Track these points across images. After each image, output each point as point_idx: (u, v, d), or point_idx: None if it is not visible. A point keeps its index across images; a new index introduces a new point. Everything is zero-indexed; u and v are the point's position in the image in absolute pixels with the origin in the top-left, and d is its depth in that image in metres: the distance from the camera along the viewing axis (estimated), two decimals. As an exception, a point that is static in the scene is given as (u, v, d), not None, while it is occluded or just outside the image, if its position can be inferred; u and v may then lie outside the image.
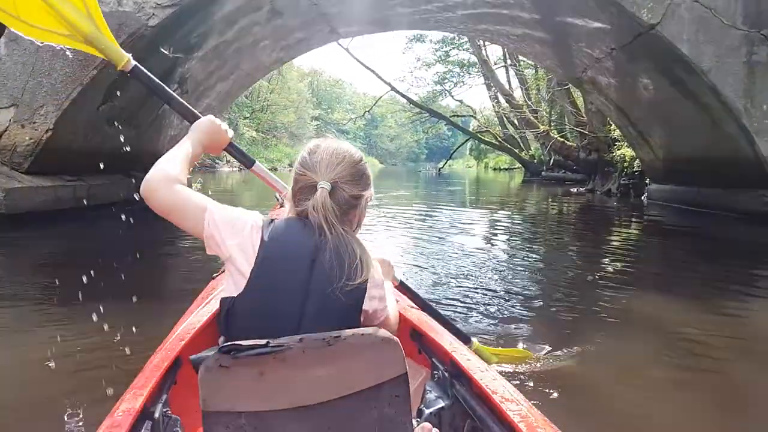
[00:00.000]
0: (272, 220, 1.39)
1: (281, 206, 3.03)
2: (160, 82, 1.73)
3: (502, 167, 48.23)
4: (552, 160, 23.74)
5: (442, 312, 2.49)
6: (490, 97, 38.13)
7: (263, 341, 1.17)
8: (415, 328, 2.01)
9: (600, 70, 11.12)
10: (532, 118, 20.08)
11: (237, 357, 1.16)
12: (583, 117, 17.56)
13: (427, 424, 1.50)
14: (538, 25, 10.52)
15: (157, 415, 1.42)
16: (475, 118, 40.36)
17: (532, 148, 35.19)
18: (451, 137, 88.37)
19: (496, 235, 10.28)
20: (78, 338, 3.44)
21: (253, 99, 51.80)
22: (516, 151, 34.87)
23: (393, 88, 34.73)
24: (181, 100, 1.79)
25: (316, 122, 66.01)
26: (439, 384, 1.79)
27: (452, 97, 41.21)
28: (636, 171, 15.13)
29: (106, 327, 3.22)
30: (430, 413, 1.67)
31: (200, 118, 1.64)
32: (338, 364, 1.23)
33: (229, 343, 1.18)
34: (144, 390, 1.43)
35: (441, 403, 1.70)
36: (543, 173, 26.41)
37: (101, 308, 3.01)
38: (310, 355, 1.20)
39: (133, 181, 10.14)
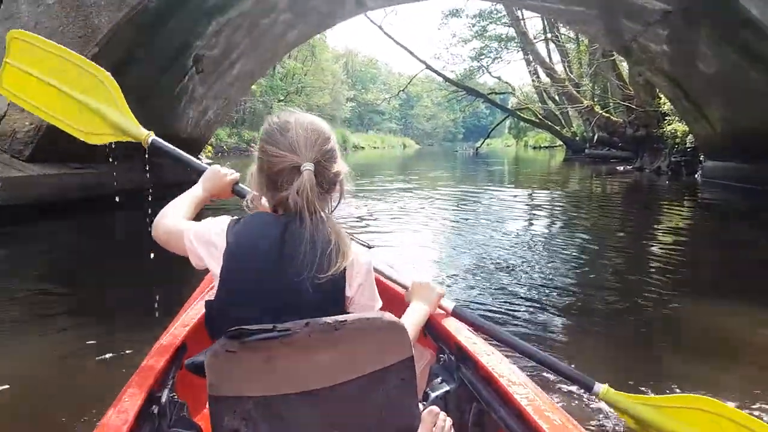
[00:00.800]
0: (237, 220, 1.36)
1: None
2: (176, 150, 1.94)
3: (542, 145, 46.70)
4: (596, 137, 22.47)
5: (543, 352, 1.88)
6: (529, 72, 36.67)
7: (270, 326, 1.17)
8: None
9: (652, 37, 10.06)
10: (575, 92, 18.85)
11: (244, 342, 1.17)
12: (630, 90, 16.35)
13: (434, 408, 1.46)
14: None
15: (163, 399, 1.45)
16: (514, 95, 38.95)
17: (574, 125, 33.75)
18: (489, 116, 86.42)
19: (537, 219, 9.47)
20: (82, 334, 3.38)
21: (288, 82, 51.38)
22: (557, 128, 33.48)
23: (428, 66, 33.71)
24: (195, 162, 1.99)
25: (351, 103, 65.24)
26: (445, 367, 1.77)
27: (490, 73, 39.84)
28: (689, 147, 13.96)
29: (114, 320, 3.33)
30: (436, 396, 1.66)
31: (205, 170, 1.81)
32: (344, 348, 1.24)
33: (234, 328, 1.17)
34: (150, 374, 1.45)
35: (447, 387, 1.70)
36: (586, 151, 25.10)
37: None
38: (317, 340, 1.20)
39: (147, 168, 9.72)
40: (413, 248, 6.24)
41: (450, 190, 14.12)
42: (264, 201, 1.43)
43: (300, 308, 1.25)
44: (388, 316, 1.26)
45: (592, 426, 2.34)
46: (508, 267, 5.23)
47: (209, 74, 9.79)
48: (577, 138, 32.13)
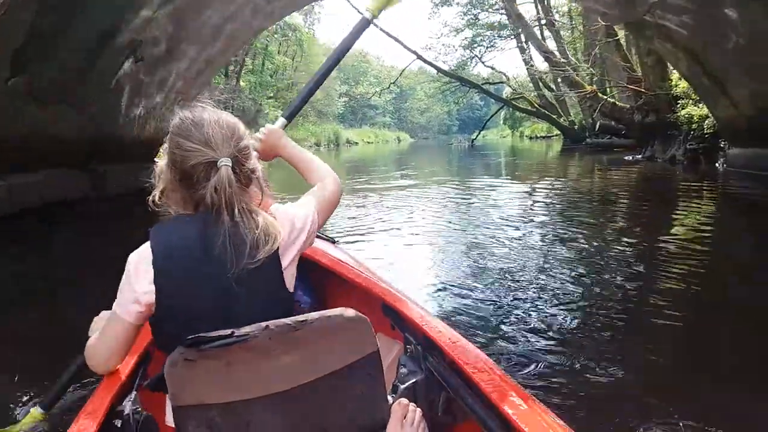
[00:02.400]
0: (155, 230, 1.28)
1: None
2: None
3: (538, 135, 45.08)
4: (598, 125, 20.92)
5: None
6: (524, 60, 35.14)
7: (228, 331, 1.14)
8: (387, 302, 1.91)
9: (670, 7, 8.52)
10: (576, 78, 17.25)
11: (202, 349, 1.13)
12: (636, 73, 14.79)
13: (404, 400, 1.45)
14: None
15: (127, 411, 1.41)
16: (508, 85, 37.29)
17: (572, 113, 32.19)
18: (483, 107, 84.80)
19: (539, 216, 8.04)
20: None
21: (277, 78, 49.79)
22: (554, 117, 31.92)
23: (419, 57, 32.10)
24: None
25: (343, 98, 63.58)
26: (412, 358, 1.73)
27: (483, 63, 38.23)
28: (707, 133, 12.40)
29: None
30: (405, 388, 1.63)
31: None
32: (307, 348, 1.22)
33: (192, 336, 1.13)
34: (113, 387, 1.42)
35: (415, 377, 1.65)
36: (587, 140, 23.54)
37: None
38: (277, 342, 1.18)
39: (89, 175, 8.10)
40: (407, 250, 5.78)
41: (445, 186, 12.67)
42: (173, 196, 1.34)
43: (241, 301, 1.23)
44: (350, 311, 1.26)
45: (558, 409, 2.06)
46: (508, 273, 4.62)
47: (154, 64, 8.22)
48: (576, 127, 30.56)
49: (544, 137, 43.99)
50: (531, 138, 46.41)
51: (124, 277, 1.28)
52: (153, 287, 1.22)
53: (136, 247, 1.28)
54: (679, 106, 13.47)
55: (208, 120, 1.28)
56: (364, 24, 1.93)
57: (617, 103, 15.73)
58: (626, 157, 15.83)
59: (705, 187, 10.57)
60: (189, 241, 1.24)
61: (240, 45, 9.65)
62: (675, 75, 14.07)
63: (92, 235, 6.65)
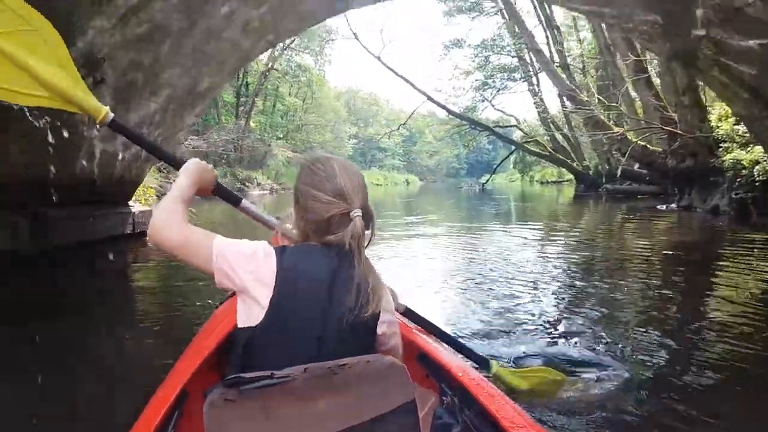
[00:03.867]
0: (284, 247, 1.33)
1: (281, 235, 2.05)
2: (138, 134, 1.69)
3: (549, 180, 43.63)
4: (620, 171, 19.35)
5: (454, 335, 2.37)
6: (535, 104, 33.98)
7: (267, 373, 1.14)
8: (423, 352, 1.87)
9: (735, 28, 7.00)
10: (602, 118, 15.72)
11: (242, 390, 1.14)
12: (669, 112, 13.29)
13: None
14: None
15: None
16: (519, 128, 35.99)
17: (586, 157, 30.71)
18: (492, 151, 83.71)
19: (553, 277, 6.31)
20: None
21: (288, 119, 49.02)
22: (568, 161, 30.46)
23: (429, 98, 30.94)
24: (161, 148, 1.72)
25: (353, 140, 62.71)
26: (448, 409, 1.70)
27: (493, 106, 37.01)
28: (759, 180, 10.76)
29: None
30: None
31: (185, 162, 1.55)
32: (345, 393, 1.21)
33: (233, 376, 1.14)
34: (151, 424, 1.38)
35: (451, 430, 1.61)
36: (607, 186, 21.91)
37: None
38: (316, 385, 1.18)
39: (29, 221, 6.41)
40: (421, 298, 5.16)
41: (456, 233, 11.19)
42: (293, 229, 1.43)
43: (338, 344, 1.25)
44: (388, 358, 1.26)
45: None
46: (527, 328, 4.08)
47: (127, 90, 6.74)
48: (591, 172, 29.01)
49: (555, 182, 42.51)
50: (542, 183, 44.92)
51: (244, 246, 1.29)
52: (265, 297, 1.23)
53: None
54: (722, 150, 11.86)
55: (339, 170, 1.35)
56: None
57: (648, 146, 14.15)
58: (659, 206, 14.13)
59: (758, 243, 8.83)
60: (318, 272, 1.27)
61: (230, 69, 8.16)
62: (714, 116, 12.56)
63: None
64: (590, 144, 29.78)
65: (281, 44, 41.39)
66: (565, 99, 31.30)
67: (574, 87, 17.64)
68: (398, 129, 40.16)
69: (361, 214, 1.31)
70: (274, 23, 7.78)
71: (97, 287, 5.93)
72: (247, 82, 39.97)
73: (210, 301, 4.64)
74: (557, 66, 25.74)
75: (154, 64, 6.68)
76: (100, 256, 7.37)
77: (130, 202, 8.47)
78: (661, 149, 13.92)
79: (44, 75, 1.48)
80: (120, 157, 7.75)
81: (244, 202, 1.76)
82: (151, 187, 10.31)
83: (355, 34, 32.02)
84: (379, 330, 1.33)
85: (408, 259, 7.75)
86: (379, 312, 1.31)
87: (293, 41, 41.36)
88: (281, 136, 45.86)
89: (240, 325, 1.26)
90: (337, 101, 62.63)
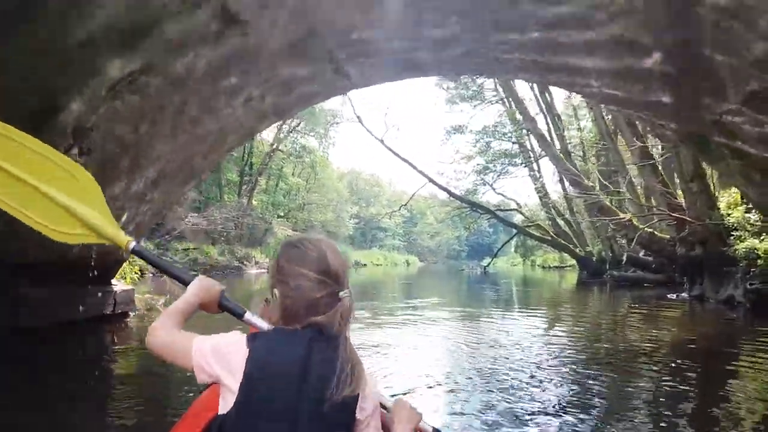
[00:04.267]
0: (257, 334, 1.34)
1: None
2: (157, 258, 1.86)
3: (551, 265, 43.02)
4: (625, 257, 18.89)
5: None
6: (536, 189, 34.07)
7: None
8: None
9: (753, 110, 6.75)
10: (608, 204, 15.41)
11: None
12: (677, 199, 12.99)
13: None
14: (666, 56, 6.28)
15: None
16: (520, 212, 35.88)
17: (589, 243, 30.34)
18: (492, 234, 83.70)
19: (558, 370, 5.80)
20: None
21: (290, 198, 49.21)
22: (571, 246, 30.06)
23: (431, 180, 31.04)
24: (175, 269, 1.84)
25: (354, 220, 62.73)
26: None
27: (494, 190, 37.05)
28: (776, 271, 10.26)
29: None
30: None
31: (194, 279, 1.65)
32: None
33: None
34: None
35: None
36: (614, 273, 21.33)
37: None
38: None
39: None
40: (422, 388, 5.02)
41: (461, 318, 10.61)
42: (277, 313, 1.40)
43: (313, 428, 1.23)
44: None
45: None
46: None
47: (115, 162, 6.40)
48: (594, 258, 28.54)
49: (557, 267, 41.87)
50: (544, 268, 44.29)
51: (218, 340, 1.32)
52: (237, 384, 1.24)
53: None
54: (734, 238, 11.43)
55: (328, 252, 1.37)
56: None
57: (655, 233, 13.75)
58: (669, 296, 13.52)
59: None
60: (290, 356, 1.26)
61: (226, 145, 7.87)
62: (723, 203, 12.24)
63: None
64: (592, 230, 29.52)
65: (287, 126, 42.24)
66: (566, 184, 31.37)
67: (578, 173, 17.47)
68: (399, 210, 40.17)
69: (350, 294, 1.33)
70: (275, 104, 7.59)
71: (75, 371, 5.50)
72: (251, 162, 40.41)
73: (186, 388, 4.46)
74: (560, 152, 25.93)
75: (145, 137, 6.38)
76: (79, 338, 6.81)
77: (114, 281, 7.95)
78: (669, 236, 13.50)
79: (84, 216, 1.72)
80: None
81: (247, 315, 1.79)
82: (137, 264, 9.79)
83: (358, 117, 32.62)
84: (359, 414, 1.30)
85: (409, 347, 7.33)
86: (358, 395, 1.29)
87: (299, 124, 42.22)
88: (282, 214, 45.85)
89: (219, 412, 1.28)
90: (340, 182, 63.24)
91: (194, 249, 29.41)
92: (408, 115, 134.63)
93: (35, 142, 1.74)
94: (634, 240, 13.45)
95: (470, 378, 5.47)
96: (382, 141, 31.50)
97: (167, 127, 6.61)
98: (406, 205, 36.85)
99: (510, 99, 35.81)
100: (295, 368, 1.24)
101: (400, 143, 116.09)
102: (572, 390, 5.06)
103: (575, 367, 6.11)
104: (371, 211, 65.07)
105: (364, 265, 53.24)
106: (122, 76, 5.47)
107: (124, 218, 7.25)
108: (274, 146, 40.85)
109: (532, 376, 5.49)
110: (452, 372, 5.75)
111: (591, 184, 15.68)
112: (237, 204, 35.95)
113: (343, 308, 1.30)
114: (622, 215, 14.41)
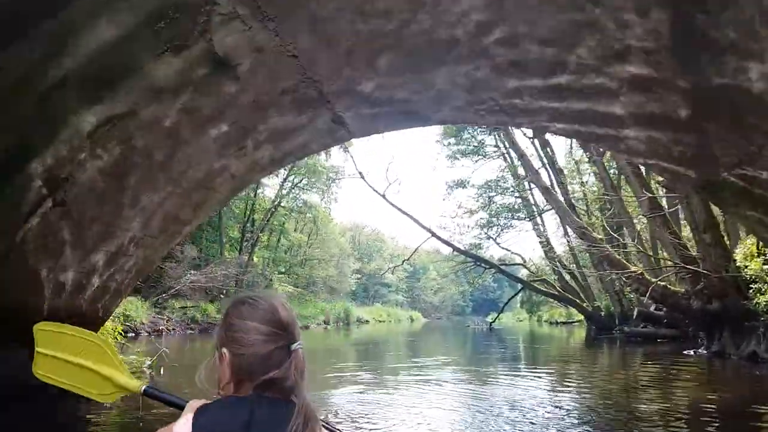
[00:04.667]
0: (200, 410, 1.27)
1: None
2: (170, 396, 1.85)
3: (558, 321, 41.96)
4: (636, 312, 18.17)
5: None
6: (540, 243, 33.56)
7: None
8: None
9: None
10: (617, 257, 14.82)
11: None
12: (689, 251, 12.46)
13: None
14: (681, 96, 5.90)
15: None
16: (525, 266, 35.19)
17: (596, 298, 29.55)
18: (497, 289, 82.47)
19: None
20: None
21: (292, 254, 48.70)
22: (578, 302, 29.26)
23: (434, 234, 30.53)
24: (176, 400, 1.78)
25: (357, 275, 61.94)
26: None
27: (498, 244, 36.44)
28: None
29: None
30: None
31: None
32: None
33: None
34: None
35: None
36: (625, 328, 20.52)
37: None
38: None
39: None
40: None
41: (468, 379, 10.01)
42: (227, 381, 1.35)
43: None
44: None
45: None
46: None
47: (95, 215, 5.96)
48: (603, 313, 27.70)
49: (564, 323, 40.79)
50: (551, 323, 43.18)
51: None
52: None
53: None
54: (753, 291, 10.83)
55: (277, 304, 1.35)
56: None
57: (668, 286, 13.14)
58: (686, 352, 12.77)
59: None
60: (234, 423, 1.23)
61: (214, 201, 7.45)
62: (739, 254, 11.69)
63: None
64: (600, 284, 28.80)
65: (289, 183, 42.25)
66: (571, 238, 30.85)
67: (584, 225, 16.98)
68: (402, 264, 39.52)
69: (302, 346, 1.32)
70: (269, 154, 7.22)
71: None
72: (253, 218, 40.16)
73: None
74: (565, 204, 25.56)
75: (128, 189, 5.97)
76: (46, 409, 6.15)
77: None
78: (683, 289, 12.89)
79: (109, 376, 2.00)
80: (89, 288, 6.79)
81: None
82: (122, 325, 9.20)
83: (360, 173, 32.52)
84: None
85: (413, 409, 6.85)
86: None
87: (301, 180, 42.24)
88: (283, 270, 45.23)
89: None
90: (342, 237, 62.80)
91: (192, 307, 28.70)
92: (409, 170, 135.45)
93: (73, 328, 2.07)
94: (647, 294, 12.82)
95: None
96: (383, 196, 31.23)
97: (152, 177, 6.20)
98: (408, 259, 36.23)
99: (510, 154, 35.99)
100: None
101: (402, 197, 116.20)
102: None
103: (585, 426, 5.48)
104: (373, 266, 64.31)
105: (367, 321, 52.03)
106: (102, 122, 5.11)
107: (105, 276, 6.75)
108: (276, 202, 40.70)
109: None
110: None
111: (599, 236, 15.19)
112: (237, 260, 35.42)
113: (296, 360, 1.28)
114: (632, 268, 13.83)
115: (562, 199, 21.14)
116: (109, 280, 6.75)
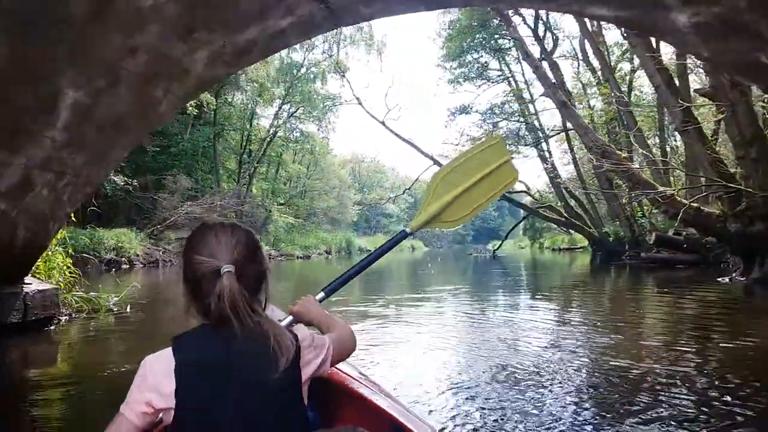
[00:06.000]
0: (179, 338, 1.28)
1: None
2: None
3: (561, 247, 40.92)
4: (654, 237, 16.77)
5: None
6: (545, 169, 31.92)
7: None
8: (397, 423, 1.70)
9: None
10: (644, 176, 13.16)
11: None
12: (725, 167, 10.86)
13: None
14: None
15: None
16: (529, 194, 33.66)
17: (604, 224, 28.24)
18: (498, 218, 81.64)
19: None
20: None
21: (291, 185, 47.18)
22: (587, 228, 28.01)
23: (435, 162, 28.87)
24: None
25: (358, 207, 60.68)
26: None
27: (502, 172, 34.82)
28: None
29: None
30: None
31: None
32: None
33: None
34: None
35: None
36: (642, 254, 19.23)
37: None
38: None
39: None
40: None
41: (480, 310, 8.46)
42: (194, 308, 1.33)
43: (258, 415, 1.22)
44: (360, 430, 1.29)
45: None
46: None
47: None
48: (611, 239, 26.43)
49: (566, 249, 39.75)
50: (553, 250, 42.16)
51: (137, 377, 1.27)
52: (172, 396, 1.21)
53: None
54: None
55: (215, 229, 1.32)
56: (403, 235, 2.32)
57: (702, 208, 11.59)
58: (721, 279, 11.39)
59: None
60: (210, 352, 1.23)
61: (180, 95, 5.72)
62: (787, 171, 10.08)
63: None
64: (610, 209, 27.43)
65: (285, 112, 40.05)
66: (582, 161, 29.19)
67: (606, 143, 15.21)
68: (404, 193, 38.05)
69: (231, 269, 1.24)
70: (231, 44, 5.46)
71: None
72: (249, 149, 38.34)
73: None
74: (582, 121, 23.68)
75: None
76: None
77: (28, 278, 5.88)
78: (718, 211, 11.36)
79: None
80: (12, 215, 5.24)
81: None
82: (71, 256, 7.71)
83: (357, 98, 30.47)
84: (306, 374, 1.30)
85: (419, 341, 6.03)
86: (296, 360, 1.27)
87: (297, 109, 40.05)
88: (282, 201, 43.83)
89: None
90: (342, 169, 61.07)
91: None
92: (409, 98, 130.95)
93: (464, 154, 2.49)
94: (678, 216, 11.29)
95: (485, 373, 4.40)
96: (383, 123, 29.35)
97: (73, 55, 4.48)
98: (410, 188, 34.69)
99: (515, 78, 33.70)
100: (223, 366, 1.21)
101: (402, 126, 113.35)
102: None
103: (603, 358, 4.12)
104: (374, 195, 62.86)
105: (369, 250, 51.19)
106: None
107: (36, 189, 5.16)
108: (273, 132, 38.75)
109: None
110: (467, 368, 4.72)
111: (623, 154, 13.51)
112: (235, 191, 33.91)
113: (221, 286, 1.22)
114: (661, 189, 12.23)
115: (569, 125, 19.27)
116: (50, 206, 5.19)
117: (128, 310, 7.79)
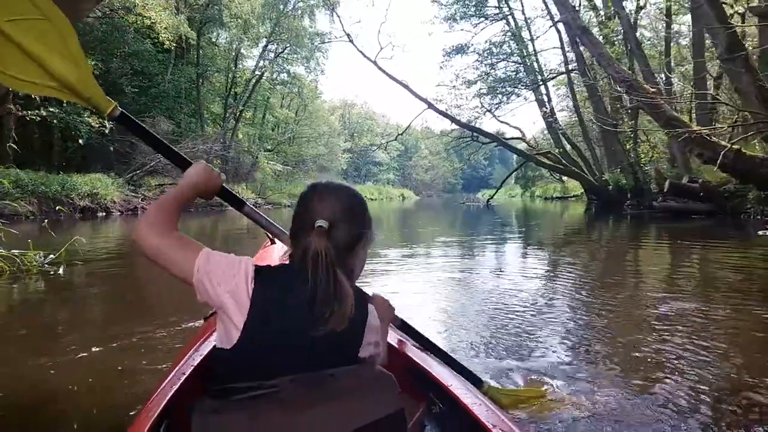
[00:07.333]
0: (264, 269, 1.22)
1: (272, 244, 2.45)
2: (146, 128, 1.52)
3: (553, 196, 39.44)
4: (667, 186, 15.17)
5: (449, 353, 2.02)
6: (543, 114, 30.03)
7: (255, 383, 1.10)
8: (412, 362, 1.78)
9: None
10: (672, 112, 11.32)
11: (229, 401, 1.09)
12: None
13: None
14: None
15: None
16: (524, 140, 31.79)
17: (603, 171, 26.65)
18: (487, 167, 79.81)
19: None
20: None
21: (279, 131, 44.85)
22: (585, 175, 26.41)
23: (430, 105, 26.82)
24: (169, 145, 1.55)
25: (348, 154, 58.51)
26: (436, 418, 1.66)
27: (496, 118, 32.70)
28: None
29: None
30: None
31: (192, 164, 1.45)
32: (333, 403, 1.13)
33: (220, 387, 1.11)
34: None
35: None
36: (653, 203, 17.67)
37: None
38: (304, 396, 1.11)
39: None
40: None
41: (476, 262, 7.12)
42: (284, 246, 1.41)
43: (317, 362, 1.17)
44: (377, 368, 1.22)
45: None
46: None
47: None
48: (610, 187, 24.88)
49: (559, 198, 38.29)
50: (545, 198, 40.68)
51: (227, 261, 1.20)
52: (242, 317, 1.15)
53: None
54: None
55: (323, 186, 1.31)
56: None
57: (743, 150, 9.87)
58: (761, 232, 9.79)
59: None
60: (294, 290, 1.19)
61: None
62: None
63: None
64: (606, 156, 25.80)
65: (272, 52, 37.27)
66: (590, 100, 27.29)
67: (630, 73, 13.29)
68: (396, 139, 36.05)
69: (325, 225, 1.21)
70: None
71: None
72: (235, 92, 35.80)
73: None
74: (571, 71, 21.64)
75: None
76: None
77: None
78: (763, 154, 9.66)
79: (53, 66, 1.42)
80: None
81: (247, 207, 1.64)
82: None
83: (348, 34, 28.00)
84: (363, 353, 1.23)
85: (414, 292, 5.46)
86: (363, 334, 1.22)
87: (284, 50, 37.32)
88: (270, 148, 41.64)
89: (218, 345, 1.19)
90: (332, 115, 58.52)
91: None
92: (403, 38, 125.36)
93: None
94: (718, 160, 9.58)
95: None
96: (375, 62, 27.07)
97: None
98: (403, 134, 32.62)
99: (514, 16, 31.17)
100: (298, 304, 1.16)
101: (394, 67, 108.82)
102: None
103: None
104: (364, 141, 60.62)
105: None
106: None
107: None
108: (258, 73, 36.12)
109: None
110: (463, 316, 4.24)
111: (652, 88, 11.62)
112: (220, 135, 31.68)
113: (311, 240, 1.18)
114: (696, 128, 10.45)
115: (588, 54, 17.20)
116: None
117: (61, 271, 6.06)
